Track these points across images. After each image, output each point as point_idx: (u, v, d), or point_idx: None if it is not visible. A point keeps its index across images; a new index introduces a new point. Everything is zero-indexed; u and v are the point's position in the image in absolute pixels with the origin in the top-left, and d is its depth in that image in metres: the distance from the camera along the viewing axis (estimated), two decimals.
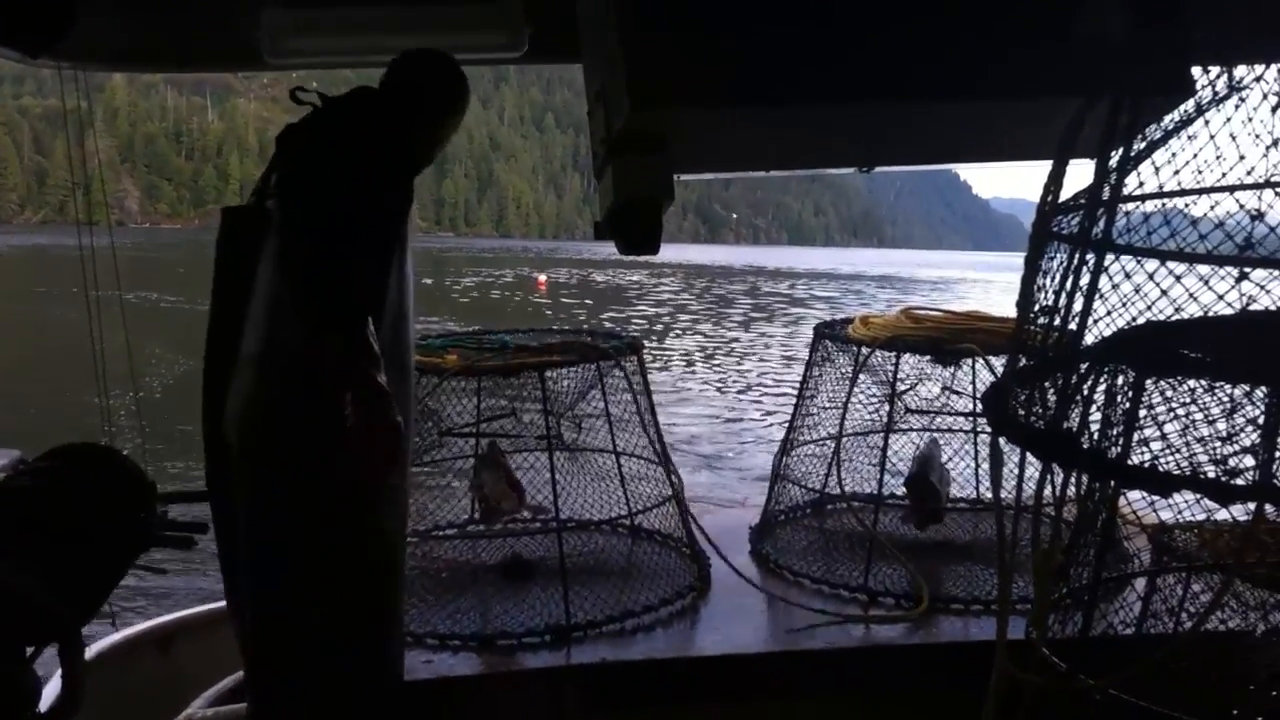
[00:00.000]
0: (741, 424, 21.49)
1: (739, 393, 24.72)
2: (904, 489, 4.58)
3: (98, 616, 2.53)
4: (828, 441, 4.74)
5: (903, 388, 4.44)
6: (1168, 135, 2.08)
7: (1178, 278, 1.84)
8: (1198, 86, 2.15)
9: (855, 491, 4.78)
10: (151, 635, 4.64)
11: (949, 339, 4.31)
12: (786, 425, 4.93)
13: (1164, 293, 1.85)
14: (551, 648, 3.78)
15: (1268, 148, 1.86)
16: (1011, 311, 2.40)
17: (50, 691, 2.38)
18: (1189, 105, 2.11)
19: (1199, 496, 1.84)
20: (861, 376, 4.53)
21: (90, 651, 4.39)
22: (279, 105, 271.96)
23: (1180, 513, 2.18)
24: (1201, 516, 2.67)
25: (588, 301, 54.95)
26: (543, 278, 68.82)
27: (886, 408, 4.47)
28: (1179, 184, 1.96)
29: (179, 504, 2.90)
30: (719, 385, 26.13)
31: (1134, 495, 2.15)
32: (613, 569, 4.46)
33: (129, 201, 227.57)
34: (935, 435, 4.69)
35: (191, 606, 5.05)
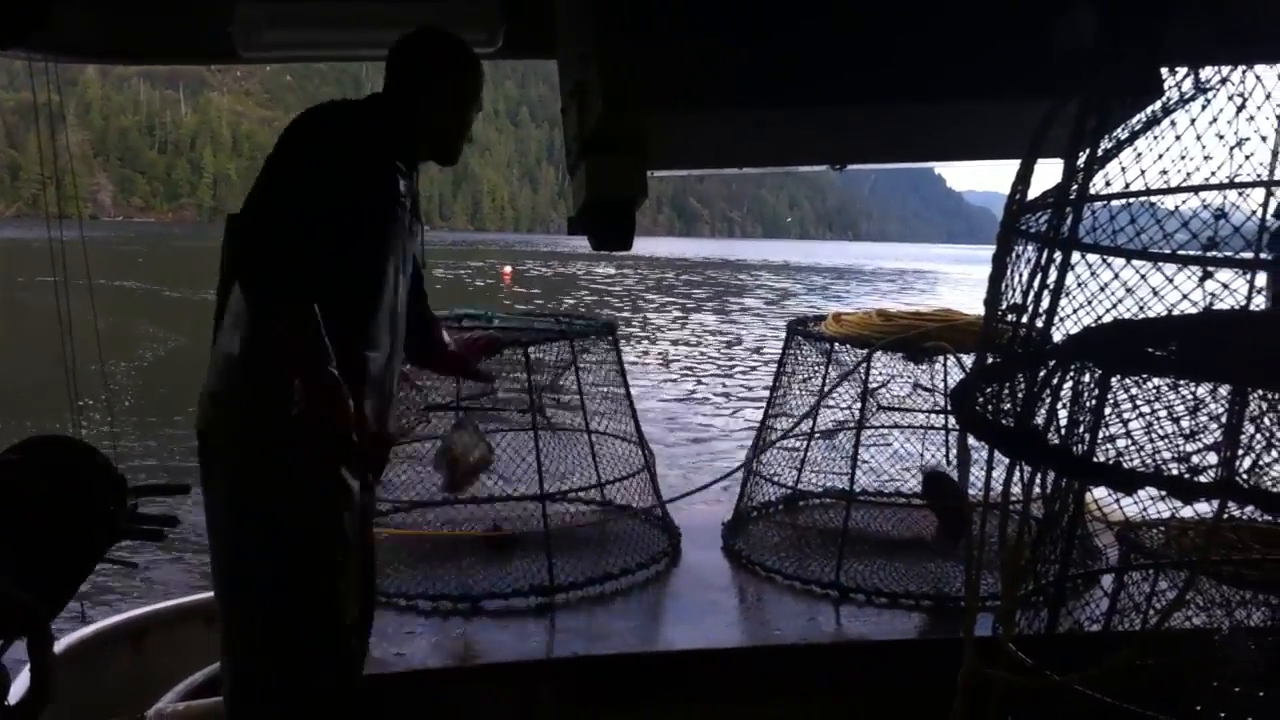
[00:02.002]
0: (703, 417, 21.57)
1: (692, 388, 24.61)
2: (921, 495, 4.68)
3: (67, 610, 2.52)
4: (800, 438, 4.77)
5: (875, 385, 4.47)
6: (1135, 135, 2.09)
7: (1143, 276, 1.85)
8: (1165, 88, 2.17)
9: (828, 487, 4.81)
10: (122, 629, 4.63)
11: (920, 337, 4.31)
12: (759, 423, 4.97)
13: (1130, 291, 1.87)
14: (535, 615, 3.82)
15: (1232, 148, 1.88)
16: (980, 307, 2.41)
17: (19, 686, 2.37)
18: (1156, 106, 2.13)
19: (1163, 493, 1.86)
20: (834, 374, 4.55)
21: (60, 645, 4.38)
22: (252, 99, 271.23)
23: (1145, 510, 2.20)
24: (1167, 514, 2.69)
25: (548, 292, 55.60)
26: (508, 269, 69.54)
27: (859, 405, 4.49)
28: (1145, 184, 1.98)
29: (150, 497, 2.89)
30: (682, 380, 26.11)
31: (1100, 493, 2.17)
32: (590, 538, 4.58)
33: (102, 195, 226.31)
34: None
35: (163, 600, 5.04)
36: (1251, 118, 1.87)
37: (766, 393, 5.00)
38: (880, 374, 4.50)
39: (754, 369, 25.37)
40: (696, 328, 36.42)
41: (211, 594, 5.04)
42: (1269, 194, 2.09)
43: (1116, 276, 1.89)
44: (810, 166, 4.01)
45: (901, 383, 4.58)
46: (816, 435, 4.72)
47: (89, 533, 2.50)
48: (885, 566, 4.24)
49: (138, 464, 14.84)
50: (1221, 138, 1.89)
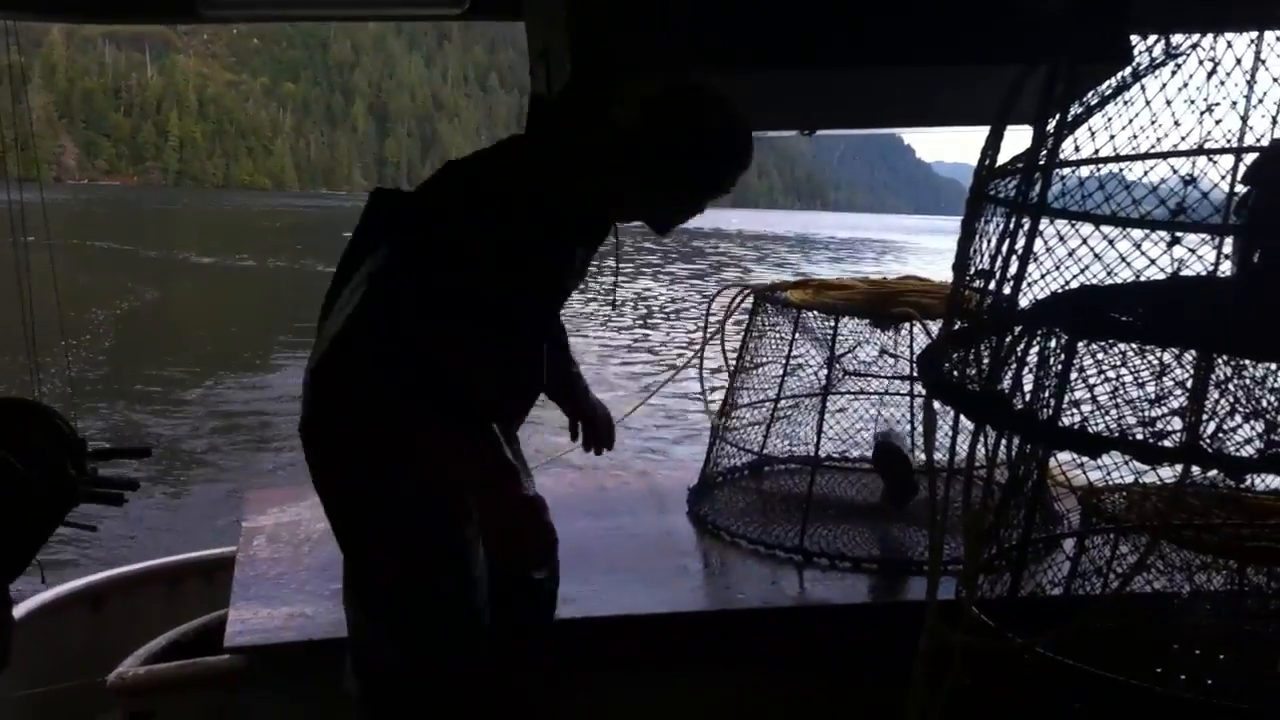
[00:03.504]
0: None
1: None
2: (870, 462, 4.67)
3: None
4: (766, 404, 4.78)
5: (841, 350, 4.47)
6: (1104, 101, 2.09)
7: (1111, 242, 1.85)
8: (1135, 53, 2.17)
9: (793, 454, 4.83)
10: (82, 593, 4.60)
11: (886, 303, 4.32)
12: (725, 388, 4.93)
13: (1097, 257, 1.87)
14: None
15: (1201, 114, 1.88)
16: (948, 276, 2.41)
17: None
18: (1126, 71, 2.13)
19: (1128, 458, 1.86)
20: (800, 339, 4.56)
21: (19, 610, 4.35)
22: (218, 61, 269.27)
23: (1109, 475, 2.20)
24: (1131, 479, 2.71)
25: None
26: None
27: (825, 371, 4.49)
28: (1115, 149, 1.98)
29: (110, 460, 2.86)
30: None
31: (1065, 457, 2.18)
32: None
33: (66, 158, 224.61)
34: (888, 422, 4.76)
35: (123, 564, 5.01)
36: (1222, 83, 1.87)
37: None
38: (847, 340, 4.50)
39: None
40: (643, 292, 36.59)
41: (172, 558, 5.06)
42: (1238, 160, 2.09)
43: (1084, 242, 1.89)
44: (779, 132, 4.00)
45: (869, 349, 4.59)
46: (783, 401, 4.72)
47: (47, 496, 2.47)
48: (849, 531, 4.24)
49: (104, 420, 15.45)
50: (1192, 103, 1.88)
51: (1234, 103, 1.89)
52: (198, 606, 4.35)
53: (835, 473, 4.79)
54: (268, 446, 14.58)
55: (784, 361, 4.61)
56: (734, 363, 4.81)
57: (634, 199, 2.89)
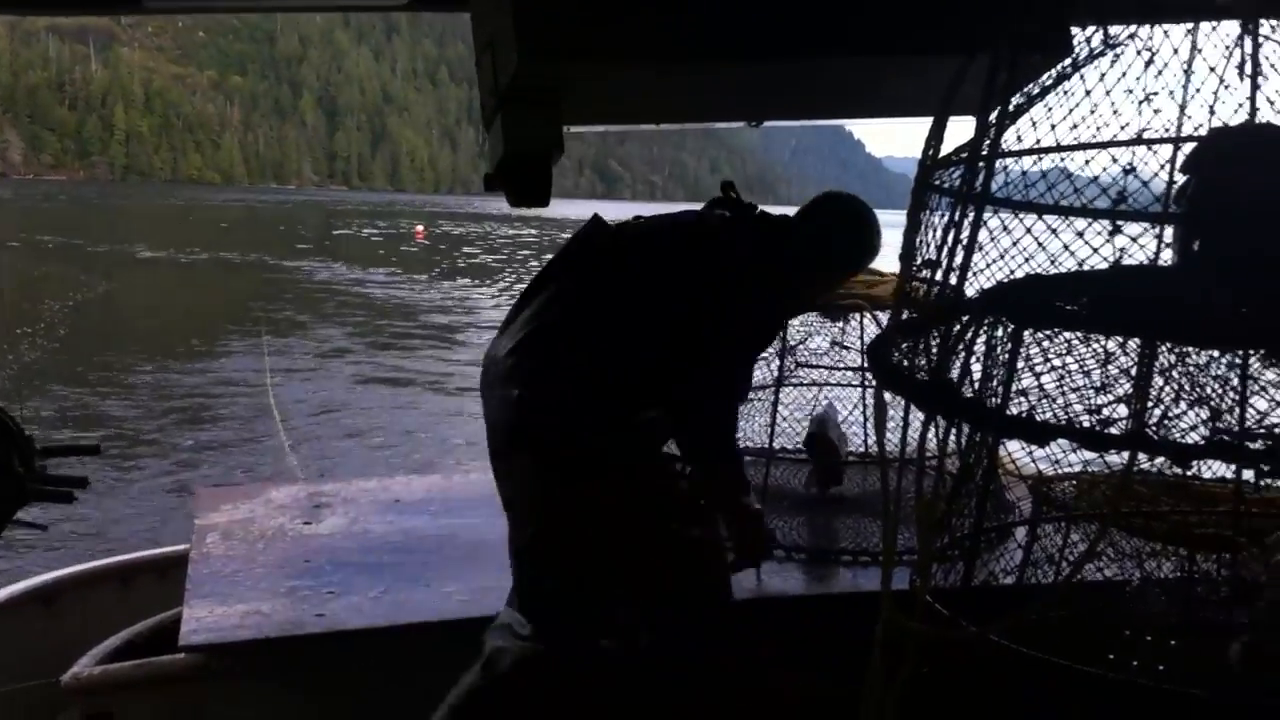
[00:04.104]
0: None
1: None
2: (803, 448, 4.65)
3: None
4: None
5: (793, 342, 4.47)
6: (1045, 91, 2.11)
7: (1054, 231, 1.87)
8: (1075, 45, 2.18)
9: (747, 445, 4.82)
10: (35, 592, 4.55)
11: (836, 294, 4.32)
12: None
13: (1041, 246, 1.88)
14: None
15: (1140, 103, 1.90)
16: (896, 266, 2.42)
17: None
18: (1066, 62, 2.14)
19: (1075, 446, 1.88)
20: None
21: None
22: (164, 54, 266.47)
23: (1056, 463, 2.23)
24: (1079, 467, 2.73)
25: (453, 247, 56.92)
26: (420, 227, 70.86)
27: (777, 362, 4.49)
28: (1056, 140, 1.99)
29: (59, 458, 2.84)
30: None
31: (1015, 447, 2.19)
32: None
33: (11, 153, 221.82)
34: (831, 398, 4.75)
35: (77, 563, 4.98)
36: (1160, 73, 1.89)
37: None
38: (798, 331, 4.50)
39: None
40: None
41: (125, 556, 5.02)
42: (1176, 149, 2.11)
43: (1029, 231, 1.90)
44: (726, 123, 4.01)
45: (820, 340, 4.59)
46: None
47: None
48: (803, 523, 4.27)
49: (57, 403, 15.97)
50: (1130, 93, 1.90)
51: (1171, 92, 1.92)
52: (152, 604, 4.32)
53: (789, 464, 4.79)
54: (203, 426, 15.43)
55: None
56: None
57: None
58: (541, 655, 3.14)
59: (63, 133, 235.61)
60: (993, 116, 2.13)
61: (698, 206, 3.60)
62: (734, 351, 3.32)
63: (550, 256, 3.50)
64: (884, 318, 4.16)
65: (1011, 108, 2.13)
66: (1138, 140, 2.00)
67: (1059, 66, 2.15)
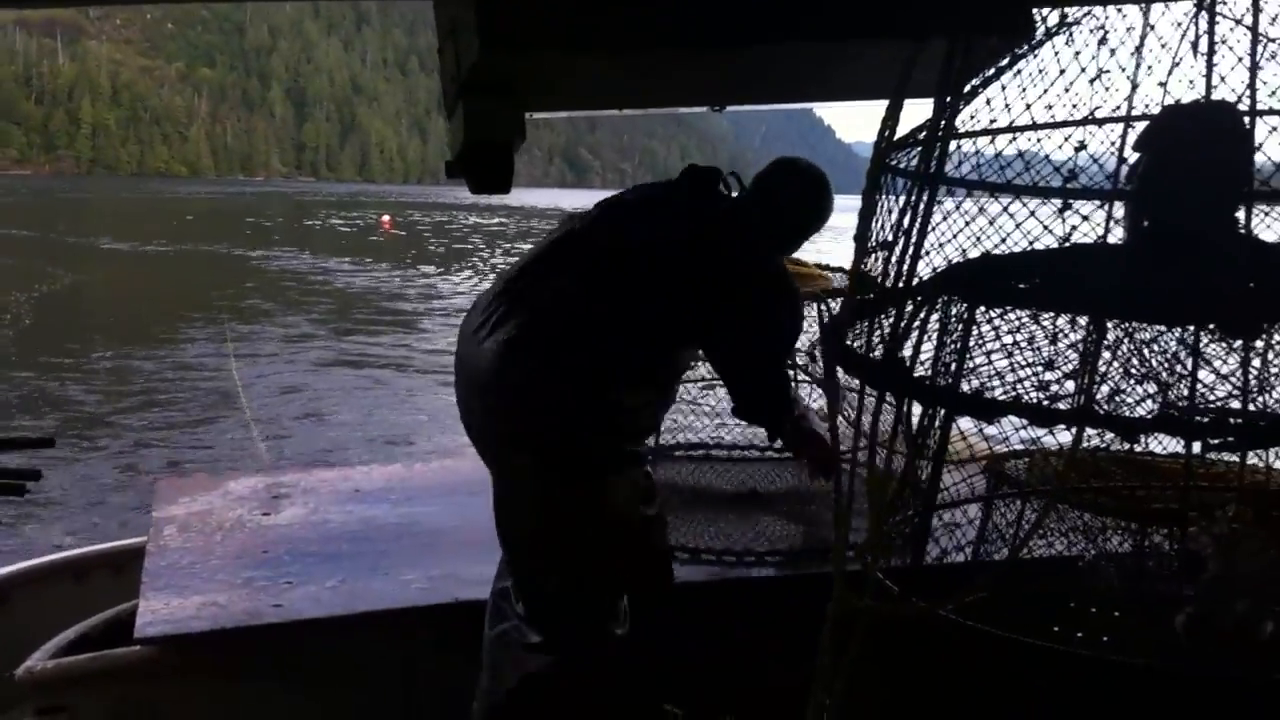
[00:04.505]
0: None
1: None
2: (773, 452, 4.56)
3: None
4: None
5: None
6: (1001, 72, 2.11)
7: (1006, 209, 1.88)
8: (1035, 28, 2.19)
9: (687, 441, 4.77)
10: None
11: None
12: None
13: (991, 223, 1.89)
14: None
15: (1092, 80, 1.91)
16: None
17: None
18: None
19: (1026, 423, 1.89)
20: None
21: None
22: (132, 47, 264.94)
23: (1008, 440, 2.24)
24: (1032, 445, 2.75)
25: (416, 239, 57.14)
26: (387, 217, 71.21)
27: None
28: (1010, 118, 2.00)
29: (12, 451, 2.82)
30: None
31: (967, 425, 2.20)
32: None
33: None
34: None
35: (30, 558, 4.94)
36: (1113, 51, 1.90)
37: None
38: None
39: None
40: None
41: (79, 550, 4.98)
42: (1128, 127, 2.13)
43: (981, 210, 1.91)
44: (690, 107, 4.00)
45: None
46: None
47: None
48: (737, 522, 4.11)
49: (21, 389, 16.37)
50: (1083, 70, 1.91)
51: (1124, 69, 1.93)
52: (107, 599, 4.28)
53: (728, 463, 4.72)
54: (158, 410, 15.58)
55: None
56: None
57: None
58: (552, 665, 3.12)
59: (29, 127, 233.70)
60: (948, 98, 2.13)
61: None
62: (747, 329, 3.30)
63: (524, 246, 3.45)
64: (812, 309, 4.18)
65: (967, 89, 2.14)
66: (1090, 120, 2.01)
67: (1017, 48, 2.16)
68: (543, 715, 3.18)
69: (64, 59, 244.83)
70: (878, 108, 3.59)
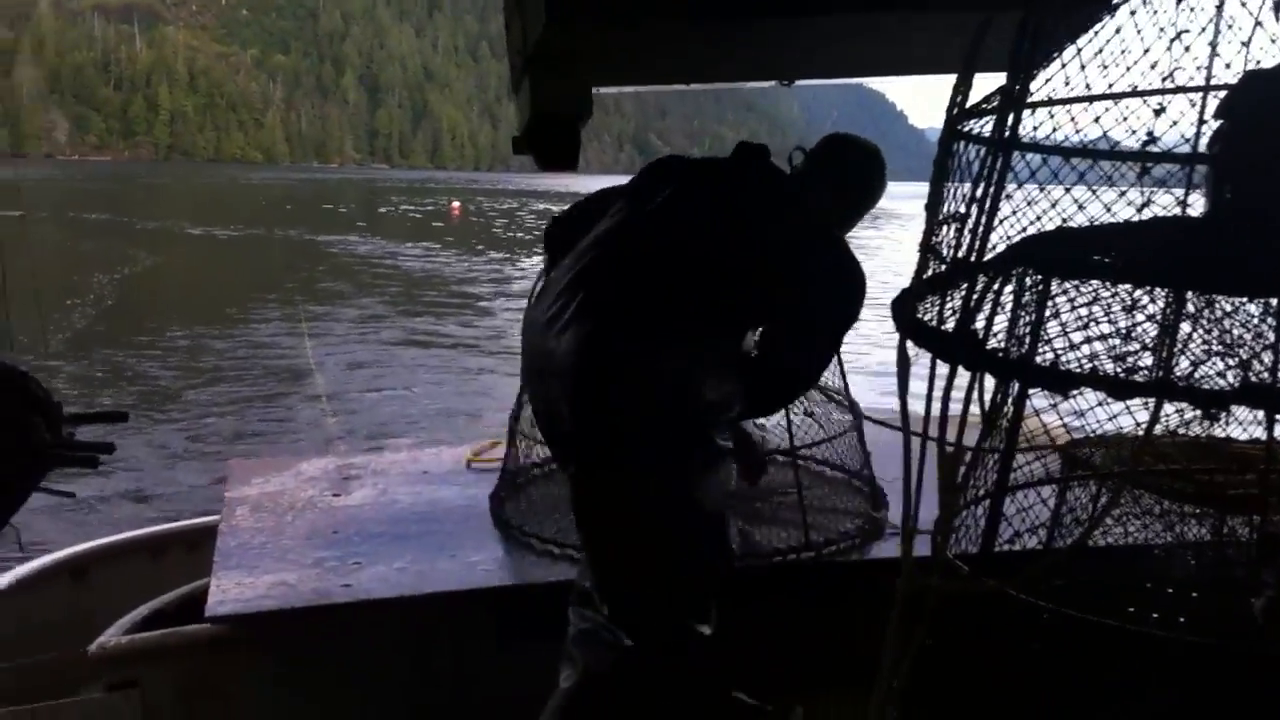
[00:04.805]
0: None
1: None
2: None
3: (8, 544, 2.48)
4: None
5: None
6: (1075, 37, 2.05)
7: (1082, 176, 1.82)
8: None
9: None
10: (64, 564, 4.59)
11: None
12: None
13: (1067, 190, 1.84)
14: None
15: (1171, 41, 1.85)
16: None
17: None
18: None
19: (1101, 399, 1.84)
20: None
21: (1, 581, 4.34)
22: (208, 33, 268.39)
23: (1085, 421, 2.18)
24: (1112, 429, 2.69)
25: (483, 227, 57.55)
26: (456, 205, 71.70)
27: None
28: (1086, 82, 1.94)
29: (87, 425, 2.82)
30: None
31: (1049, 418, 2.15)
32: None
33: (57, 133, 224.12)
34: None
35: (105, 535, 5.01)
36: (1191, 10, 1.84)
37: None
38: None
39: None
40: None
41: (156, 528, 5.05)
42: (1206, 94, 2.06)
43: (1055, 176, 1.86)
44: (756, 82, 3.96)
45: None
46: None
47: (21, 460, 2.44)
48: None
49: (104, 363, 17.46)
50: (1161, 32, 1.85)
51: (1202, 30, 1.86)
52: (181, 576, 4.34)
53: None
54: (231, 382, 16.60)
55: None
56: None
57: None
58: (636, 664, 3.06)
59: (107, 113, 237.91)
60: (1022, 64, 2.08)
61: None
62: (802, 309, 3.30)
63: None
64: None
65: (1042, 55, 2.08)
66: (1168, 90, 1.95)
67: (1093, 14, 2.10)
68: (620, 712, 3.15)
69: (141, 45, 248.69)
70: (947, 89, 3.55)
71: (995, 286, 2.02)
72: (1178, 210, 2.05)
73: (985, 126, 2.13)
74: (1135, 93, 1.93)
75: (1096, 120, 1.84)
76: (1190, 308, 2.00)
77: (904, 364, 2.11)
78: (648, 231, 3.26)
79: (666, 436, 3.05)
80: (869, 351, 13.98)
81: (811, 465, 4.46)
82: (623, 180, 3.51)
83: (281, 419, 14.11)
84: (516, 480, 4.53)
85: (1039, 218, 1.94)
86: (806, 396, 4.04)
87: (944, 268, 2.15)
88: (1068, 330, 1.89)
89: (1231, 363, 1.88)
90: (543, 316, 3.14)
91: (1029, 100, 2.05)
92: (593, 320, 3.04)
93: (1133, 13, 1.85)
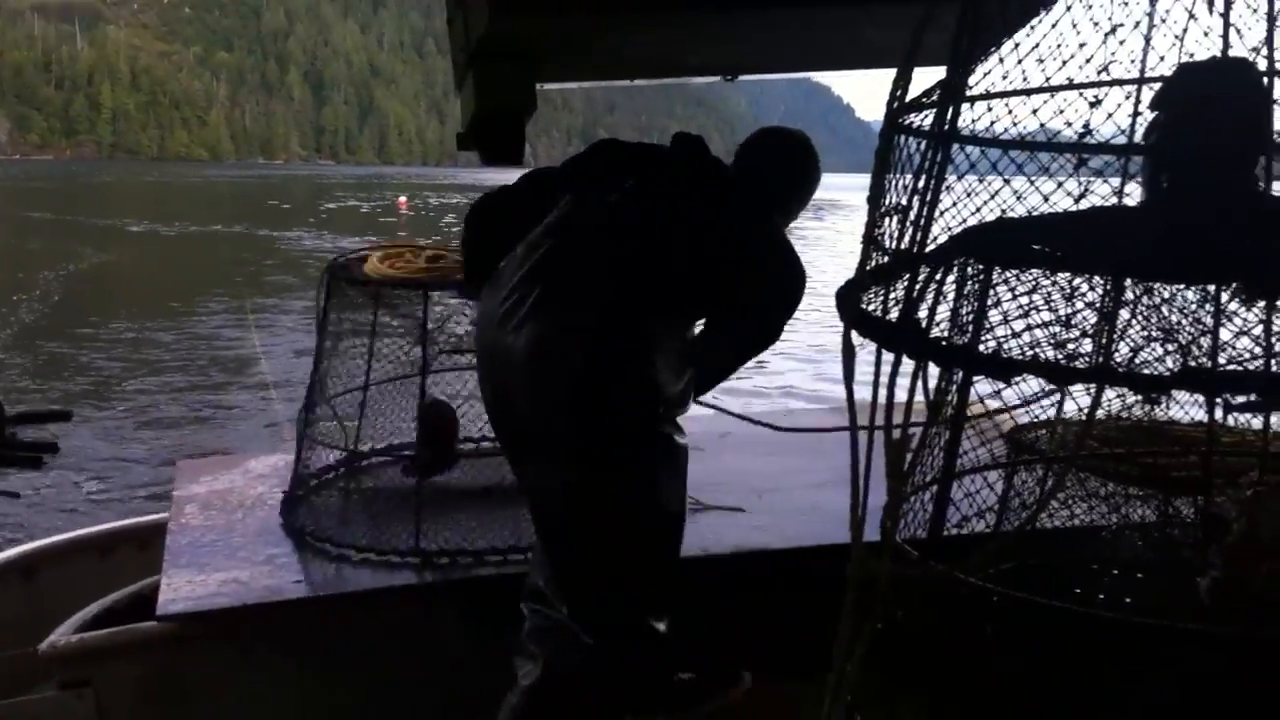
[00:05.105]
0: None
1: None
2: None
3: None
4: (355, 392, 4.43)
5: (433, 326, 4.17)
6: (1013, 31, 2.09)
7: (1020, 167, 1.85)
8: None
9: (397, 444, 4.60)
10: (14, 564, 4.56)
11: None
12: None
13: (1007, 182, 1.87)
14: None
15: (1106, 35, 1.88)
16: None
17: None
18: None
19: (1044, 386, 1.87)
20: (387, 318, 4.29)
21: None
22: (150, 32, 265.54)
23: (1029, 408, 2.22)
24: (1053, 413, 2.73)
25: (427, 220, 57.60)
26: (403, 199, 72.06)
27: (419, 350, 4.17)
28: (1024, 74, 1.97)
29: (29, 425, 2.82)
30: None
31: (985, 390, 2.18)
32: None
33: None
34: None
35: (53, 535, 4.98)
36: (1126, 4, 1.88)
37: None
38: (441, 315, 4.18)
39: None
40: None
41: (104, 526, 5.02)
42: (1141, 86, 2.10)
43: (994, 167, 1.89)
44: (701, 78, 3.98)
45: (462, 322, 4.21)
46: (374, 388, 4.41)
47: None
48: (471, 522, 4.08)
49: (49, 355, 17.78)
50: (1097, 26, 1.89)
51: (1136, 24, 1.90)
52: (131, 575, 4.32)
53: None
54: (180, 371, 16.97)
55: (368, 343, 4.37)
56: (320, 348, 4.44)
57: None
58: (595, 659, 3.09)
59: (49, 112, 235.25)
60: (961, 58, 2.11)
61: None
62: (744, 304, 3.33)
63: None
64: None
65: (980, 48, 2.12)
66: (1104, 82, 1.99)
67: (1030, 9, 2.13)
68: (578, 706, 3.16)
69: (82, 44, 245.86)
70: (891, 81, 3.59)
71: (937, 276, 2.06)
72: (1115, 200, 2.09)
73: (926, 120, 2.16)
74: (1072, 85, 1.97)
75: (1034, 113, 1.87)
76: (1129, 295, 2.04)
77: (849, 354, 2.14)
78: (609, 225, 3.22)
79: (635, 431, 3.08)
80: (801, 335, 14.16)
81: None
82: None
83: (229, 405, 14.46)
84: (310, 484, 4.47)
85: (979, 209, 1.97)
86: None
87: (887, 259, 2.17)
88: (1009, 318, 1.93)
89: (1171, 348, 1.92)
90: (497, 311, 3.12)
91: (968, 94, 2.08)
92: (546, 320, 3.04)
93: (1069, 7, 1.89)
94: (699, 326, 3.34)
